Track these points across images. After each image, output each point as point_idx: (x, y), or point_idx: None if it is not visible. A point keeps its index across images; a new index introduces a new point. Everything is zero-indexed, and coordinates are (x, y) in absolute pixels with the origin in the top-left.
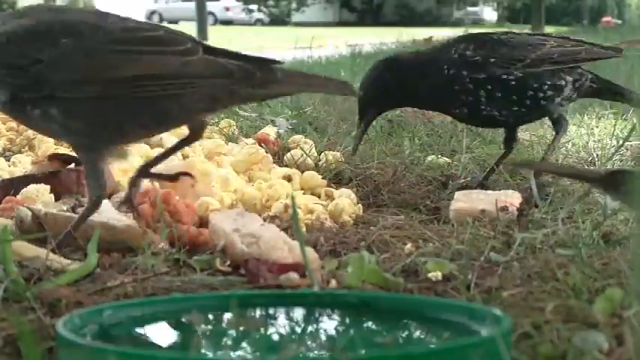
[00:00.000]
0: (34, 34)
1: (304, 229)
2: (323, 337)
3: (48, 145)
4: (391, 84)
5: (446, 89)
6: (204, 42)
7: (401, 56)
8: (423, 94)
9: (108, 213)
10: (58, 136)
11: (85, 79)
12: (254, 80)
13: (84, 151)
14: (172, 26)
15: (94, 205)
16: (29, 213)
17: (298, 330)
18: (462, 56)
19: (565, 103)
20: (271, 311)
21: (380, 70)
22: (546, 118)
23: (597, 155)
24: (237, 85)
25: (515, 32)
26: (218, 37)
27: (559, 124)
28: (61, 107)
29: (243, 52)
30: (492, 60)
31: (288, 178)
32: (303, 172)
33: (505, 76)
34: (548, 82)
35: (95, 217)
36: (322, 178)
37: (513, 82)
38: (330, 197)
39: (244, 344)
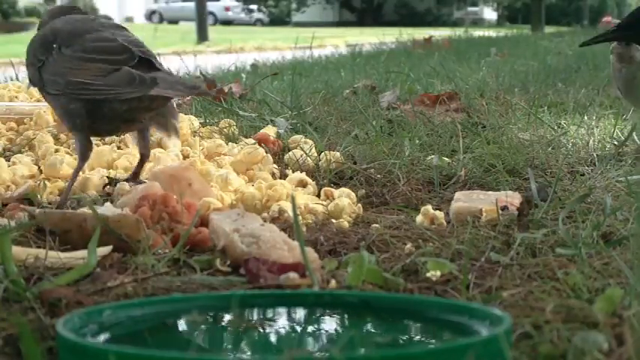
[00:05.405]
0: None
1: (304, 229)
2: (323, 337)
3: (48, 146)
4: None
5: None
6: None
7: None
8: None
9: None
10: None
11: (54, 80)
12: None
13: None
14: (172, 26)
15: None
16: (25, 213)
17: (298, 330)
18: None
19: None
20: (271, 311)
21: None
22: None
23: (597, 155)
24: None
25: None
26: (218, 37)
27: None
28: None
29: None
30: None
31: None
32: (303, 172)
33: None
34: None
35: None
36: (322, 179)
37: None
38: (329, 197)
39: (244, 344)
